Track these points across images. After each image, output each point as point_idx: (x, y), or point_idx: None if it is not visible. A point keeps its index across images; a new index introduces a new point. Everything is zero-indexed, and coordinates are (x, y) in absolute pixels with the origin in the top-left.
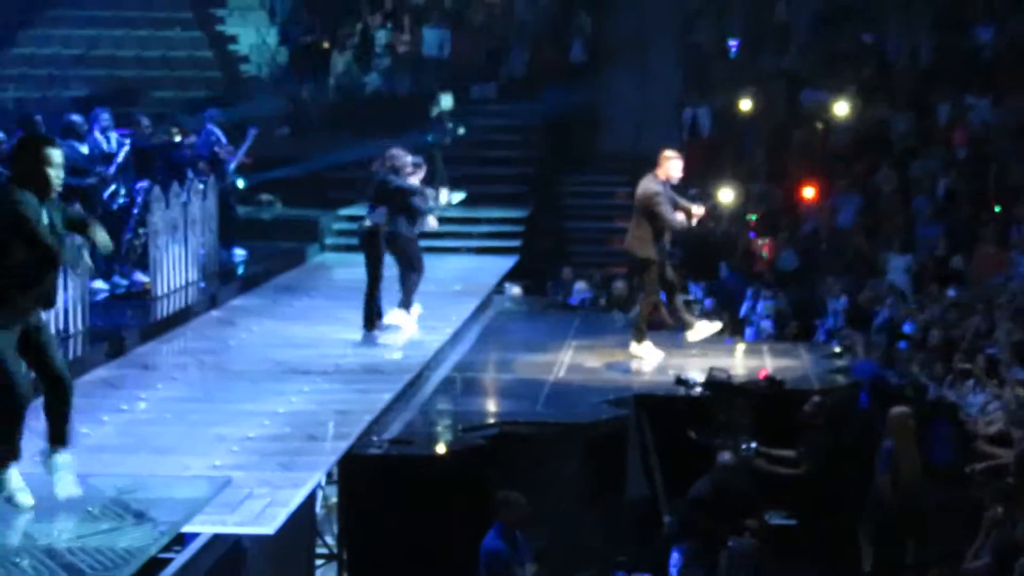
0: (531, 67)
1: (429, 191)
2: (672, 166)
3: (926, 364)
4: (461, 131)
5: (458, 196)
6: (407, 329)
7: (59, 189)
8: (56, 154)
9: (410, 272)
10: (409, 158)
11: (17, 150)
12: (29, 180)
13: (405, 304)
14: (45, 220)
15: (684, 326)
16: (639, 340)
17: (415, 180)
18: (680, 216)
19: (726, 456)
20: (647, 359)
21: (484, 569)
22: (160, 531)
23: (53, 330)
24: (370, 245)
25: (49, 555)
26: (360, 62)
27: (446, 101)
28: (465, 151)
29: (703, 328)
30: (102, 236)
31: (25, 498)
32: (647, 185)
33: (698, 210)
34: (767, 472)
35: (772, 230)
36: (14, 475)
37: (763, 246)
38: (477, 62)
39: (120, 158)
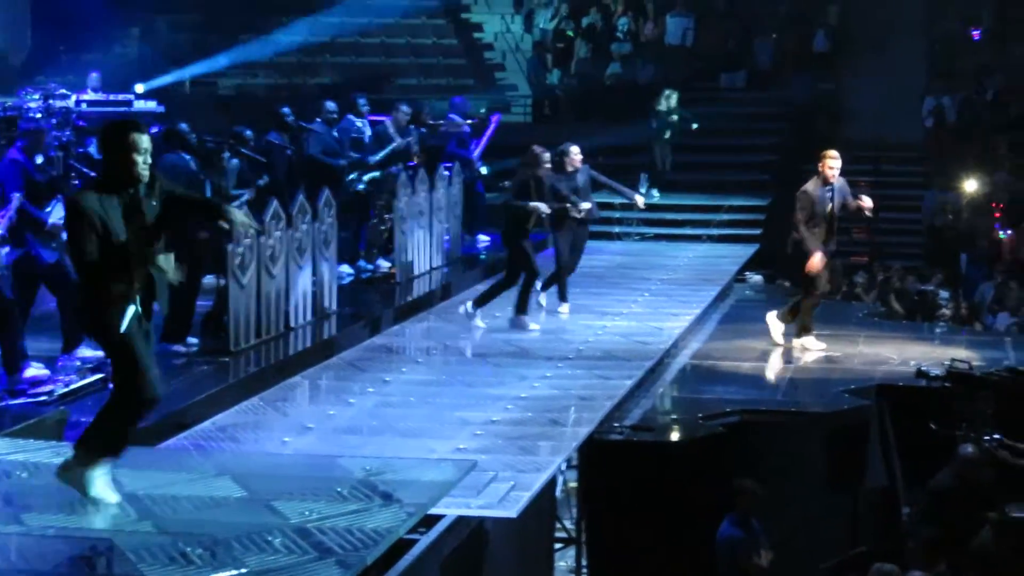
0: (776, 56)
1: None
2: (830, 165)
3: None
4: (694, 126)
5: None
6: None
7: (144, 176)
8: (143, 139)
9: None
10: (547, 155)
11: (102, 136)
12: (113, 168)
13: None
14: (116, 216)
15: (800, 330)
16: (801, 334)
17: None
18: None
19: (968, 448)
20: (810, 350)
21: (721, 557)
22: (408, 512)
23: (302, 312)
24: None
25: (300, 534)
26: (601, 50)
27: (671, 99)
28: (711, 140)
29: (812, 344)
30: (239, 217)
31: (110, 495)
32: (803, 188)
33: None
34: (1010, 465)
35: (1017, 221)
36: (101, 476)
37: (1006, 238)
38: (722, 51)
39: (389, 149)
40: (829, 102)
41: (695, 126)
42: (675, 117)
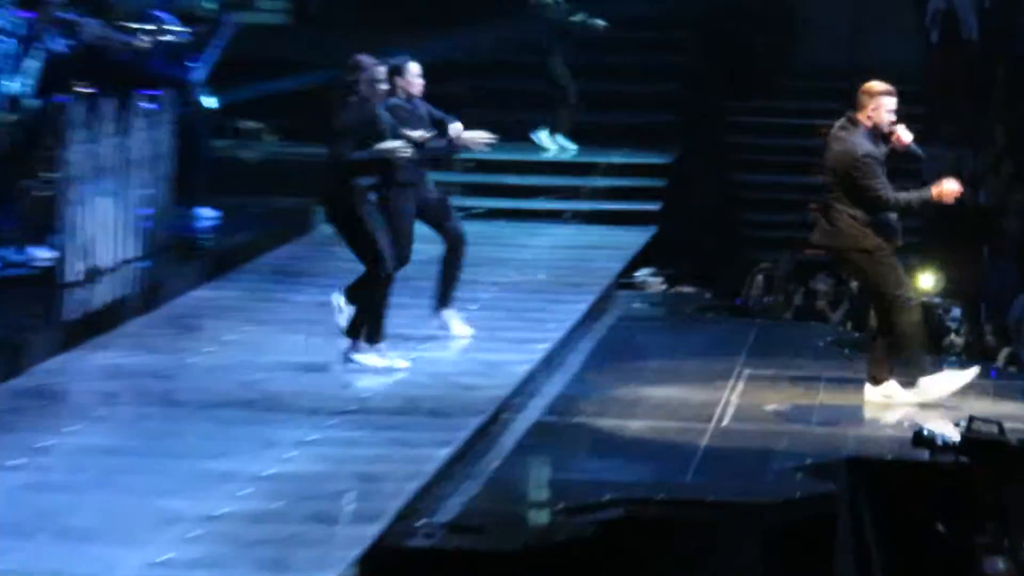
0: None
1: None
2: (886, 104)
3: None
4: (599, 23)
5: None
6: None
7: None
8: None
9: None
10: (382, 70)
11: None
12: None
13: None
14: None
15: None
16: (877, 379)
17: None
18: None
19: (999, 565)
20: (893, 403)
21: None
22: None
23: None
24: None
25: None
26: None
27: None
28: (582, 60)
29: (946, 382)
30: None
31: None
32: (849, 142)
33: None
34: None
35: None
36: None
37: None
38: None
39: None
40: (774, 6)
41: (601, 23)
42: (579, 17)
